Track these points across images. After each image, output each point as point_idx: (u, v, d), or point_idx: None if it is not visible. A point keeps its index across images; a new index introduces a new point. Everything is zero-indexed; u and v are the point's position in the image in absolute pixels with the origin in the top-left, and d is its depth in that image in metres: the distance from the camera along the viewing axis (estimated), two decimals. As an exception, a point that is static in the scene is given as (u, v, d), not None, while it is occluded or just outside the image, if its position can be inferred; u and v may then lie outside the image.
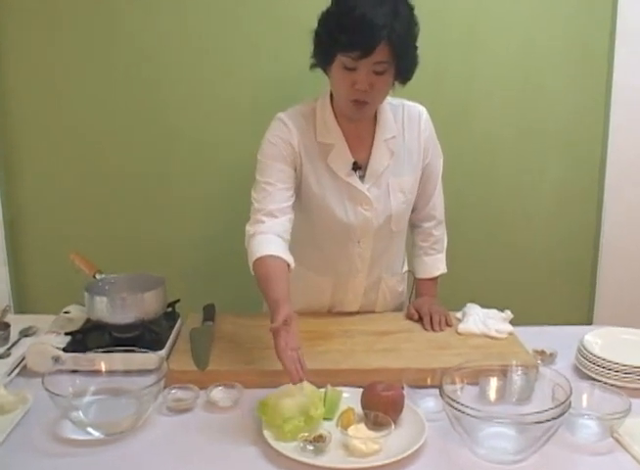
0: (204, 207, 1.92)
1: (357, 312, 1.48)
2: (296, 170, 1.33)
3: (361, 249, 1.39)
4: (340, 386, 1.13)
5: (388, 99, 1.31)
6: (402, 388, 1.09)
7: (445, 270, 1.55)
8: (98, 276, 1.37)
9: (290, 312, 1.10)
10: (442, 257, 1.54)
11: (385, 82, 1.21)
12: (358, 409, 1.05)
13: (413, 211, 1.45)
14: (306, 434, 0.99)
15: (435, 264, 1.53)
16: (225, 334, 1.34)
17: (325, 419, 1.05)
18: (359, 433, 0.98)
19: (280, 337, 1.07)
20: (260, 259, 1.21)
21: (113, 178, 1.86)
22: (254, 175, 1.31)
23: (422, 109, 1.35)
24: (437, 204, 1.47)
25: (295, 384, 1.03)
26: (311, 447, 0.97)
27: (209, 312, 1.44)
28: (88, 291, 1.30)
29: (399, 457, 0.95)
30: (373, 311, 1.51)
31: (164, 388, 1.11)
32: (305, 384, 1.07)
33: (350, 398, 1.09)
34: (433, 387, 1.08)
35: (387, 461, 0.94)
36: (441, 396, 0.99)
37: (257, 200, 1.30)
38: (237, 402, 1.12)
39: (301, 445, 0.98)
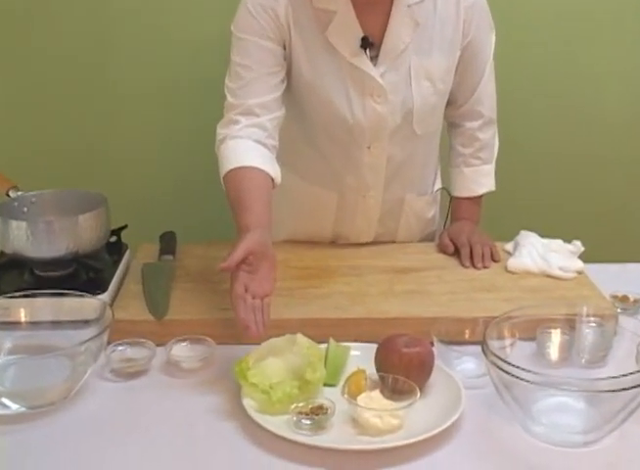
0: (160, 104, 1.91)
1: (371, 243, 1.50)
2: (285, 49, 1.29)
3: (373, 157, 1.38)
4: (346, 341, 1.13)
5: None
6: (431, 343, 1.09)
7: (493, 188, 1.53)
8: (12, 194, 1.35)
9: (257, 245, 1.10)
10: (490, 169, 1.52)
11: None
12: (372, 372, 1.05)
13: (450, 105, 1.44)
14: (301, 404, 0.99)
15: (479, 179, 1.51)
16: (190, 271, 1.35)
17: (326, 385, 1.05)
18: (373, 403, 0.98)
19: (237, 280, 1.08)
20: (233, 172, 1.22)
21: (34, 64, 1.85)
22: (229, 55, 1.31)
23: None
24: (485, 96, 1.44)
25: (252, 339, 1.05)
26: (308, 422, 0.97)
27: (168, 243, 1.45)
28: (0, 214, 1.28)
29: (426, 436, 0.94)
30: (393, 242, 1.53)
31: (108, 344, 1.11)
32: (300, 337, 1.07)
33: (361, 356, 1.09)
34: (472, 343, 1.09)
35: (409, 441, 0.93)
36: (484, 354, 0.98)
37: (232, 91, 1.29)
38: (206, 363, 1.12)
39: (295, 419, 0.97)
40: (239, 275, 1.08)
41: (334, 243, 1.51)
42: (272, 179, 1.24)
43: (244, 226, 1.13)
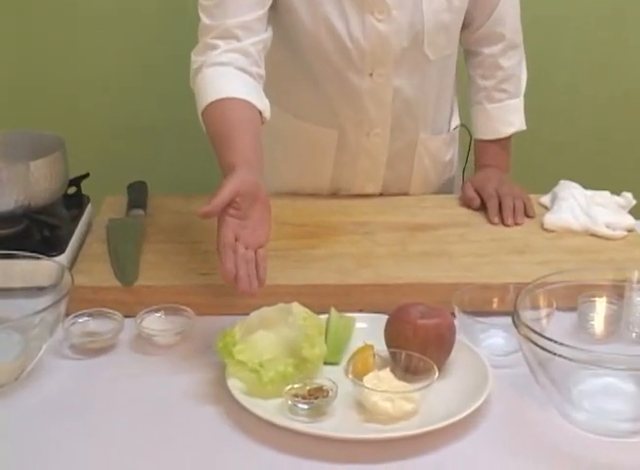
0: (125, 31, 1.93)
1: (379, 195, 1.51)
2: None
3: (376, 86, 1.38)
4: (351, 311, 1.14)
5: None
6: (452, 314, 1.09)
7: (523, 127, 1.53)
8: (-53, 134, 1.36)
9: (246, 185, 1.10)
10: (518, 104, 1.52)
11: None
12: (381, 347, 1.05)
13: (466, 28, 1.45)
14: (297, 386, 0.99)
15: (506, 116, 1.51)
16: (164, 228, 1.36)
17: (327, 363, 1.05)
18: (382, 384, 0.98)
19: (225, 226, 1.07)
20: (213, 106, 1.21)
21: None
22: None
23: None
24: (507, 15, 1.44)
25: (243, 294, 1.05)
26: (305, 407, 0.97)
27: (138, 195, 1.46)
28: None
29: (445, 424, 0.94)
30: (405, 194, 1.53)
31: (67, 315, 1.11)
32: (296, 307, 1.06)
33: (368, 329, 1.10)
34: (501, 313, 1.09)
35: (425, 430, 0.93)
36: (516, 327, 0.98)
37: (207, 10, 1.28)
38: (184, 337, 1.13)
39: (290, 403, 0.97)
40: (226, 221, 1.08)
41: (335, 195, 1.51)
42: (260, 113, 1.23)
43: (229, 165, 1.12)
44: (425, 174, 1.53)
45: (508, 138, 1.52)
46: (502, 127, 1.50)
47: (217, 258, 1.08)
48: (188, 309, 1.14)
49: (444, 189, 1.57)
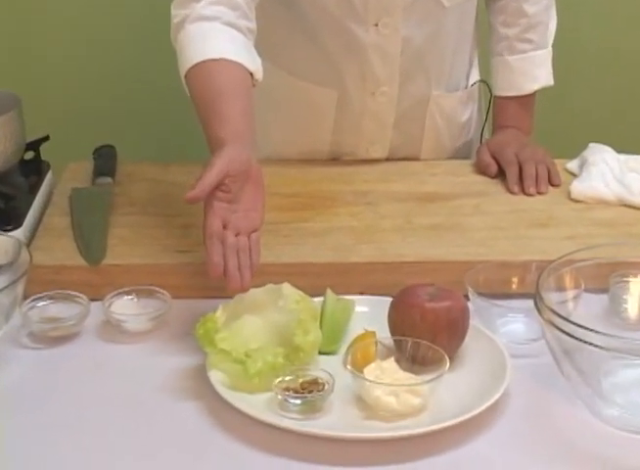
0: None
1: (385, 160, 1.51)
2: None
3: (382, 39, 1.39)
4: (350, 293, 1.14)
5: None
6: (465, 296, 1.09)
7: (550, 82, 1.53)
8: None
9: (236, 164, 1.11)
10: (545, 56, 1.52)
11: None
12: (384, 335, 1.05)
13: None
14: (289, 378, 0.99)
15: (529, 70, 1.51)
16: (135, 199, 1.37)
17: (323, 353, 1.06)
18: (386, 376, 0.98)
19: (212, 213, 1.08)
20: (198, 68, 1.21)
21: None
22: None
23: None
24: None
25: (233, 291, 1.06)
26: (298, 403, 0.97)
27: (106, 161, 1.46)
28: None
29: (458, 421, 0.94)
30: (416, 159, 1.53)
31: (25, 298, 1.12)
32: (287, 288, 1.06)
33: (370, 314, 1.11)
34: (522, 296, 1.10)
35: (435, 427, 0.93)
36: (538, 311, 0.98)
37: None
38: (159, 323, 1.14)
39: (280, 398, 0.97)
40: (214, 206, 1.08)
41: (335, 161, 1.51)
42: (251, 74, 1.23)
43: (216, 140, 1.13)
44: (437, 137, 1.53)
45: (532, 95, 1.52)
46: (525, 82, 1.51)
47: (204, 250, 1.08)
48: (163, 292, 1.14)
49: (460, 154, 1.57)
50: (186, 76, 1.22)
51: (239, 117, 1.16)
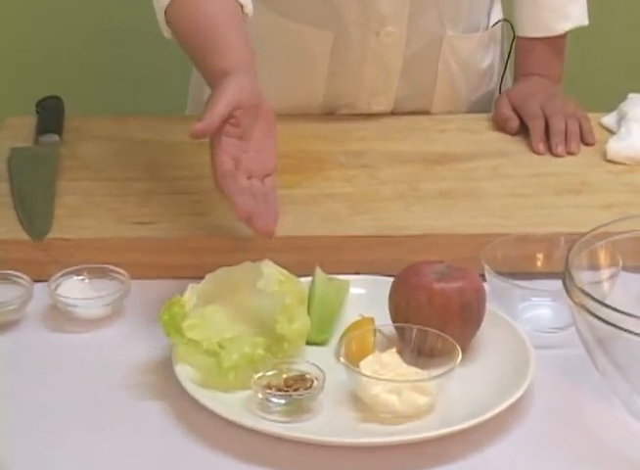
0: None
1: (389, 114, 1.51)
2: None
3: None
4: (344, 273, 1.15)
5: None
6: (481, 276, 1.10)
7: (584, 21, 1.54)
8: None
9: (245, 95, 1.13)
10: None
11: None
12: (385, 321, 1.06)
13: None
14: (271, 374, 1.00)
15: (561, 5, 1.52)
16: (86, 161, 1.37)
17: (311, 343, 1.07)
18: (387, 371, 0.98)
19: (221, 149, 1.10)
20: (179, 1, 1.22)
21: None
22: None
23: None
24: None
25: (262, 236, 1.08)
26: (281, 402, 0.98)
27: (51, 116, 1.46)
28: None
29: (472, 424, 0.94)
30: (426, 113, 1.53)
31: None
32: (268, 266, 1.06)
33: (367, 297, 1.12)
34: (548, 275, 1.11)
35: (445, 431, 0.93)
36: (568, 293, 0.98)
37: None
38: (116, 309, 1.14)
39: (260, 397, 0.98)
40: (222, 142, 1.10)
41: (330, 115, 1.51)
42: (241, 7, 1.24)
43: (220, 72, 1.15)
44: (452, 87, 1.53)
45: (562, 37, 1.53)
46: (555, 21, 1.51)
47: (220, 195, 1.09)
48: (121, 271, 1.15)
49: (478, 108, 1.57)
50: (167, 12, 1.23)
51: (242, 47, 1.18)
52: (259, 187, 1.11)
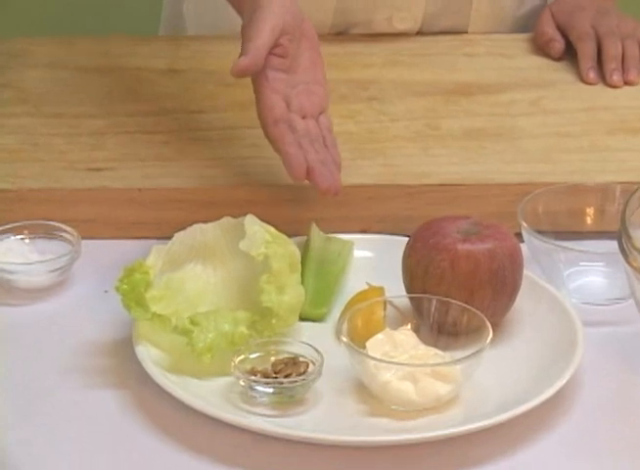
0: None
1: (412, 35, 1.53)
2: None
3: None
4: (347, 231, 1.17)
5: None
6: (517, 235, 1.10)
7: None
8: None
9: (290, 18, 1.16)
10: None
11: None
12: (397, 291, 1.06)
13: None
14: (255, 356, 1.00)
15: None
16: (27, 94, 1.38)
17: (306, 319, 1.08)
18: (400, 353, 0.99)
19: (268, 85, 1.14)
20: None
21: None
22: None
23: None
24: None
25: (326, 193, 1.11)
26: (269, 391, 0.98)
27: None
28: None
29: (506, 418, 0.94)
30: (462, 33, 1.53)
31: None
32: (252, 223, 1.06)
33: (376, 261, 1.13)
34: (600, 234, 1.13)
35: (473, 427, 0.93)
36: (624, 256, 0.99)
37: None
38: (64, 276, 1.15)
39: (243, 384, 0.98)
40: (269, 78, 1.14)
41: (333, 36, 1.52)
42: None
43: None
44: (491, 3, 1.53)
45: None
46: None
47: (271, 142, 1.11)
48: (70, 229, 1.15)
49: (524, 26, 1.56)
50: None
51: None
52: (316, 130, 1.15)
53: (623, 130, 1.30)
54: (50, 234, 1.15)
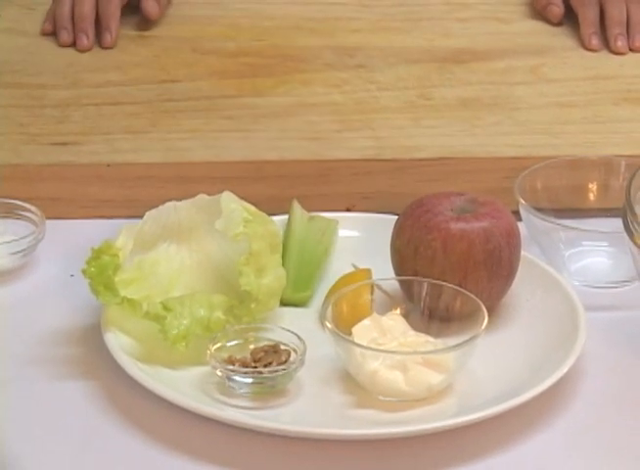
0: None
1: None
2: None
3: None
4: (331, 209, 1.18)
5: None
6: (514, 213, 1.10)
7: None
8: None
9: None
10: None
11: None
12: (385, 274, 1.06)
13: None
14: (232, 344, 1.01)
15: None
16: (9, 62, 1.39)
17: (287, 304, 1.09)
18: (388, 340, 0.99)
19: None
20: None
21: None
22: None
23: None
24: None
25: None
26: (248, 381, 0.98)
27: None
28: None
29: (502, 409, 0.94)
30: None
31: None
32: (229, 200, 1.06)
33: (362, 241, 1.14)
34: (604, 212, 1.14)
35: (466, 419, 0.93)
36: (629, 234, 0.99)
37: None
38: (26, 258, 1.16)
39: (220, 374, 0.99)
40: None
41: None
42: None
43: None
44: None
45: None
46: None
47: None
48: (33, 208, 1.16)
49: None
50: None
51: None
52: None
53: (629, 100, 1.30)
54: (12, 213, 1.16)
